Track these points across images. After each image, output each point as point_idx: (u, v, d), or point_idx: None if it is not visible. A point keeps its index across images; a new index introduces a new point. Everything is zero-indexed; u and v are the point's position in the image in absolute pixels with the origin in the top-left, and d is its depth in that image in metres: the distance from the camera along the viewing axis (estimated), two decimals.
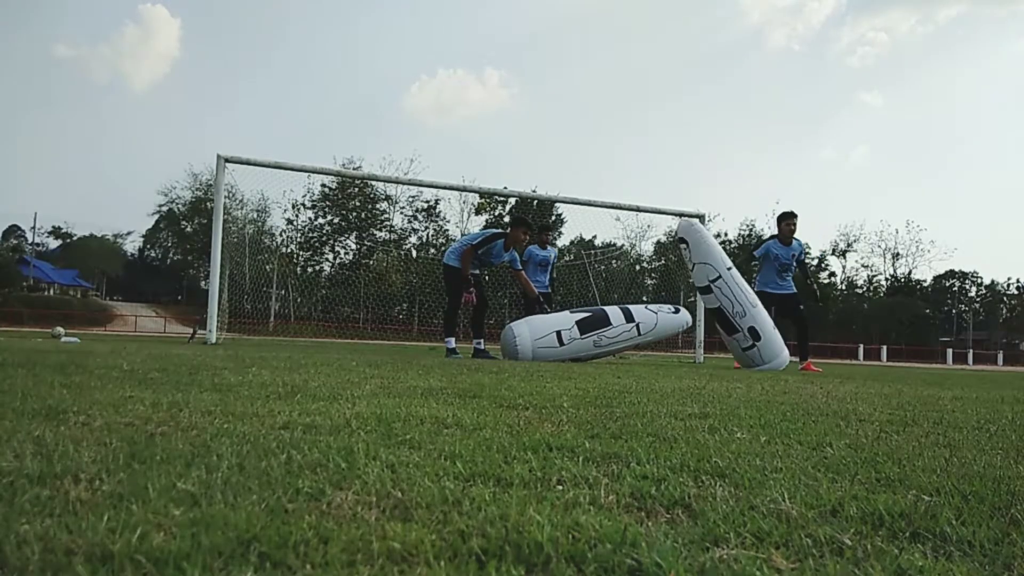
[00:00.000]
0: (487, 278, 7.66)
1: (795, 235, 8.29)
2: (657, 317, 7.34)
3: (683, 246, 7.75)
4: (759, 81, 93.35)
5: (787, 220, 8.25)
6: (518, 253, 7.65)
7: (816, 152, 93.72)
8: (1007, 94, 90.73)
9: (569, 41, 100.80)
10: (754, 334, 7.50)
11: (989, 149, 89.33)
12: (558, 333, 6.88)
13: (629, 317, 7.20)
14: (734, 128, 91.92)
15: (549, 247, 9.12)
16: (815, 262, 59.35)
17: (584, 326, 6.97)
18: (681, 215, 14.61)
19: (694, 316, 12.12)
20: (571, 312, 7.28)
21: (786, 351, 7.83)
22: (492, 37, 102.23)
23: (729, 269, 7.73)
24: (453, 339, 7.34)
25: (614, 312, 7.24)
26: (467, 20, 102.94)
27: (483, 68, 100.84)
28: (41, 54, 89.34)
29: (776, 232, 8.38)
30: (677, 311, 7.61)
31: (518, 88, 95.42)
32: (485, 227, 47.64)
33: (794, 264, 8.24)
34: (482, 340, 7.43)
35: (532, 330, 6.91)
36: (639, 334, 7.21)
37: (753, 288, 8.18)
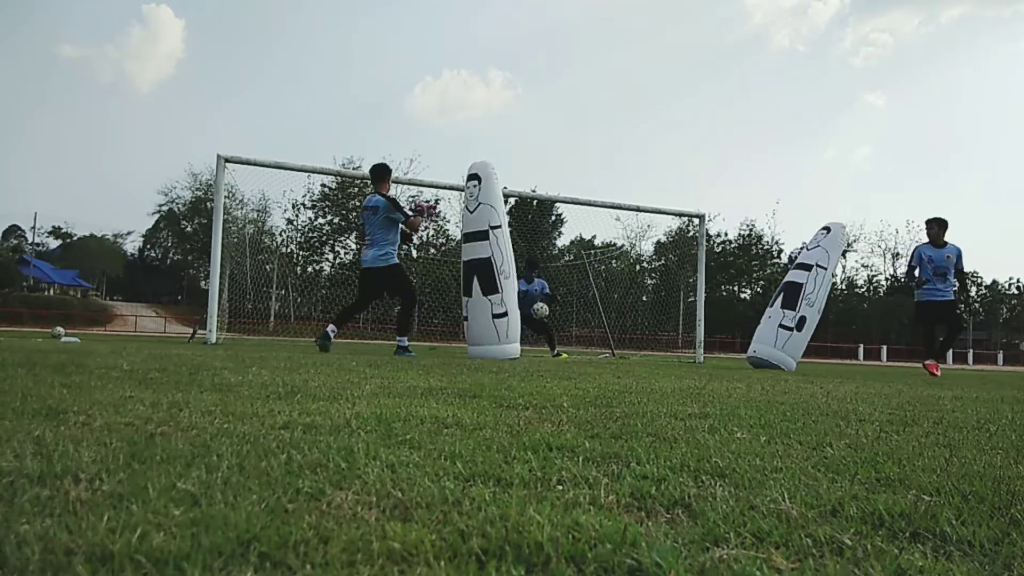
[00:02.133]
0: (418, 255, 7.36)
1: (945, 239, 8.20)
2: (483, 203, 7.15)
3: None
4: (761, 82, 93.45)
5: (928, 224, 8.26)
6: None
7: (818, 152, 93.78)
8: (1009, 95, 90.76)
9: (573, 42, 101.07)
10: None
11: (990, 149, 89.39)
12: (493, 316, 6.86)
13: (481, 236, 7.10)
14: (736, 128, 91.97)
15: (536, 280, 10.14)
16: None
17: (488, 287, 6.91)
18: (681, 215, 14.61)
19: (695, 317, 12.14)
20: (469, 297, 7.10)
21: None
22: (496, 39, 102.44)
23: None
24: (407, 338, 7.14)
25: (476, 248, 7.10)
26: (471, 22, 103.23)
27: (487, 69, 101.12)
28: (46, 54, 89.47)
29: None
30: (477, 178, 7.29)
31: (521, 89, 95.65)
32: None
33: (951, 269, 8.13)
34: (405, 339, 7.11)
35: (485, 339, 6.89)
36: (500, 226, 7.09)
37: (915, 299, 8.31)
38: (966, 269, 8.28)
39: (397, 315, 7.42)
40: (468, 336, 7.16)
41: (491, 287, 6.95)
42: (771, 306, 8.32)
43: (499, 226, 7.11)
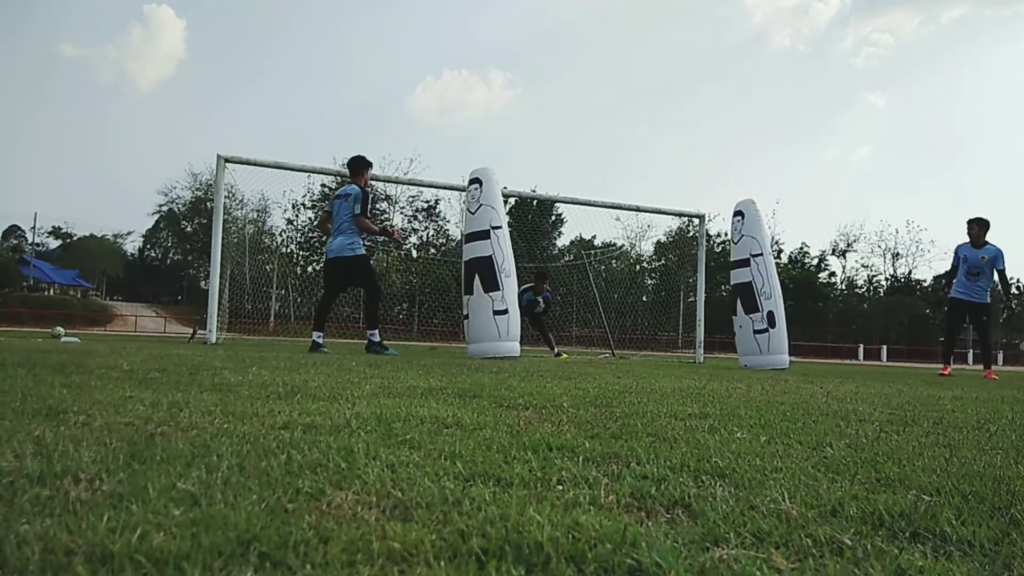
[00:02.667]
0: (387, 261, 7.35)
1: (987, 239, 8.25)
2: (484, 204, 7.23)
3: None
4: (762, 82, 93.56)
5: (968, 224, 8.32)
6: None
7: (819, 152, 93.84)
8: (1009, 94, 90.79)
9: (573, 42, 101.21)
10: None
11: (990, 149, 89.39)
12: (494, 312, 6.88)
13: (483, 235, 7.16)
14: (736, 128, 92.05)
15: (547, 291, 10.93)
16: (815, 261, 59.32)
17: (489, 284, 6.94)
18: (681, 215, 14.62)
19: (695, 317, 12.14)
20: (470, 295, 7.11)
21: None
22: (497, 39, 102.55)
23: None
24: (378, 331, 7.11)
25: (477, 246, 7.14)
26: (472, 22, 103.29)
27: (488, 69, 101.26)
28: (47, 54, 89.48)
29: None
30: (478, 182, 7.39)
31: (522, 89, 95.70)
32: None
33: (987, 270, 8.16)
34: (376, 332, 7.15)
35: (486, 336, 6.89)
36: (500, 227, 7.17)
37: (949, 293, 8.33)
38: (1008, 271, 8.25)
39: (364, 308, 7.40)
40: (468, 334, 7.15)
41: (492, 284, 7.01)
42: (736, 314, 8.22)
43: (500, 227, 7.21)
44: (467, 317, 7.18)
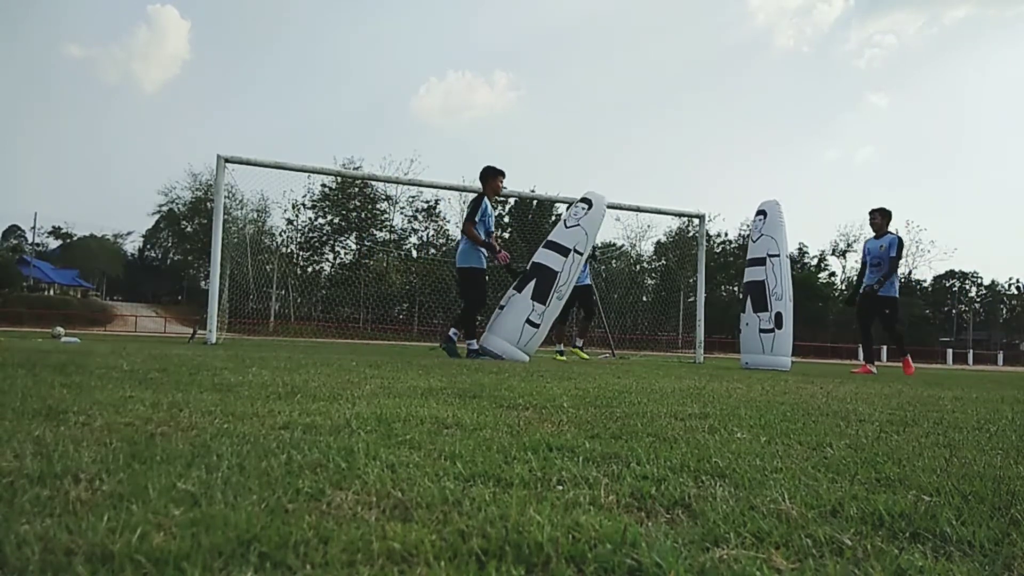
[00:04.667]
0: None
1: (888, 229, 8.14)
2: (581, 226, 7.22)
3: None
4: (764, 82, 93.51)
5: (871, 214, 8.27)
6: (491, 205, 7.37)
7: (820, 152, 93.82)
8: (1010, 95, 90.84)
9: (577, 43, 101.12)
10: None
11: (991, 150, 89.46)
12: (528, 320, 6.83)
13: (563, 250, 7.11)
14: (738, 128, 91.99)
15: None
16: (815, 261, 59.31)
17: (540, 294, 6.90)
18: (681, 215, 14.62)
19: (695, 317, 12.14)
20: (517, 292, 7.07)
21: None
22: (500, 41, 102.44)
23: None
24: (475, 340, 7.08)
25: (551, 257, 7.09)
26: (476, 24, 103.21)
27: (492, 71, 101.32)
28: (52, 54, 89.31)
29: None
30: (588, 203, 7.38)
31: (525, 90, 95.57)
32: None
33: (885, 259, 8.02)
34: (459, 333, 7.14)
35: (507, 335, 6.84)
36: (582, 254, 7.17)
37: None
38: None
39: (459, 317, 7.31)
40: (492, 323, 7.15)
41: (543, 296, 7.03)
42: (744, 311, 8.16)
43: (581, 253, 7.26)
44: (502, 308, 7.19)
